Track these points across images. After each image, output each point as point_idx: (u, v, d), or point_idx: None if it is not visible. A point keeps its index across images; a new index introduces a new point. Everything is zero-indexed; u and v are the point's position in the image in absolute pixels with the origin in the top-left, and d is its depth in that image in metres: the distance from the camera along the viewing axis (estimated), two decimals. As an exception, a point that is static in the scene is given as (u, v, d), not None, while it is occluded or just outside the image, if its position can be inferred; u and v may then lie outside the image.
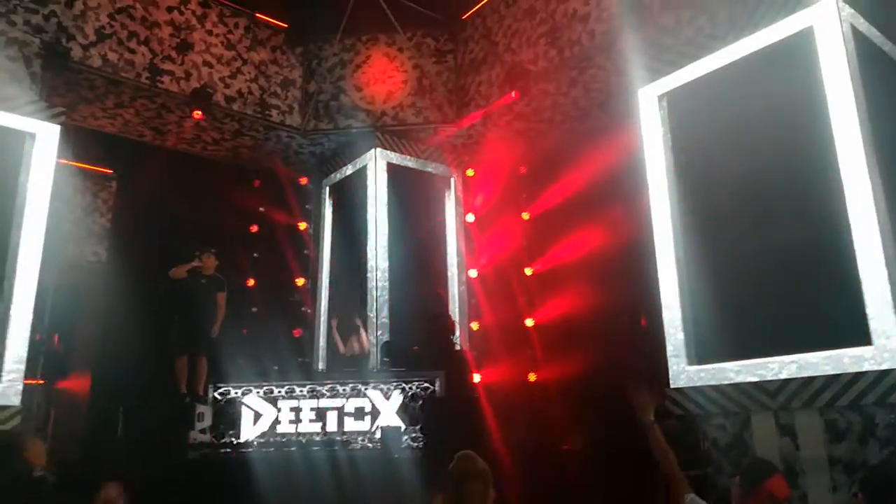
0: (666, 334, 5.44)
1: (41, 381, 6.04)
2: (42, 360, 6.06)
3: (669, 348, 5.39)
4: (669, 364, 5.35)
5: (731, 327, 5.10)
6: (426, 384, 6.01)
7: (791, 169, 4.96)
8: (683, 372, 5.27)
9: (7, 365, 5.52)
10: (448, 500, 2.53)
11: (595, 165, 6.68)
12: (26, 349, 5.64)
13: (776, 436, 4.67)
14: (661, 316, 5.54)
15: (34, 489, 3.83)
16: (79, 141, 7.10)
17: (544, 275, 7.46)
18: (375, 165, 8.28)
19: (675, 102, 5.96)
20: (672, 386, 5.32)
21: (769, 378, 4.73)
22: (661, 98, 6.04)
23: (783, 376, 4.66)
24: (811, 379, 4.50)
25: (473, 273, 8.41)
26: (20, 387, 5.53)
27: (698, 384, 5.18)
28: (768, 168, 5.08)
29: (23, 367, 5.58)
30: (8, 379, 5.50)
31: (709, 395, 5.08)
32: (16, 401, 5.49)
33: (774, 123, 5.10)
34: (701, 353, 5.27)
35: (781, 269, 4.84)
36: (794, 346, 4.65)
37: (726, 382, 4.98)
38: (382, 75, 8.49)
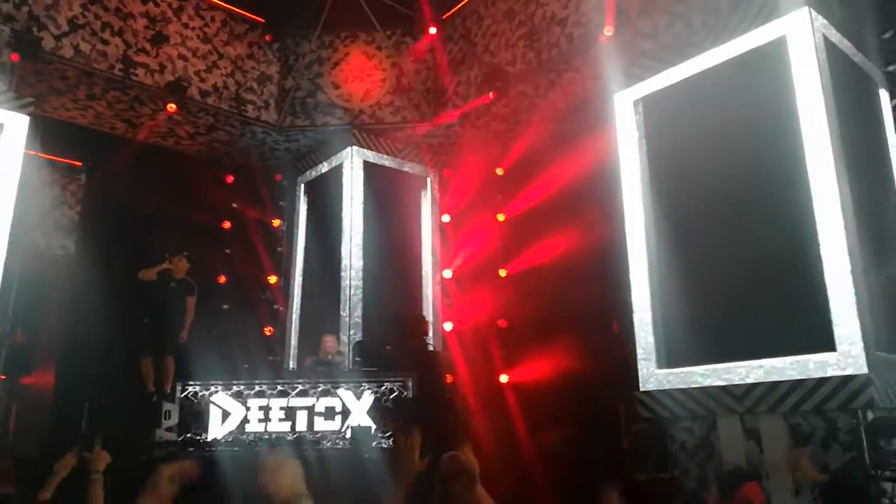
0: (636, 337, 5.49)
1: (2, 376, 5.89)
2: (4, 353, 5.91)
3: (639, 351, 5.44)
4: (639, 367, 5.40)
5: (700, 332, 5.17)
6: (398, 385, 5.98)
7: (762, 176, 5.04)
8: (653, 375, 5.32)
9: (-33, 359, 5.40)
10: (435, 495, 2.52)
11: (571, 168, 6.71)
12: (-12, 343, 5.53)
13: (742, 439, 4.73)
14: (632, 319, 5.59)
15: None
16: (48, 132, 6.94)
17: (518, 276, 7.48)
18: (352, 163, 8.23)
19: (650, 107, 6.02)
20: (641, 389, 5.37)
21: (736, 382, 4.80)
22: (636, 103, 6.10)
23: (750, 380, 4.73)
24: (777, 383, 4.58)
25: (448, 273, 8.41)
26: (-19, 381, 5.41)
27: (667, 387, 5.23)
28: (740, 175, 5.16)
29: (-17, 361, 5.46)
30: (-32, 373, 5.38)
31: (677, 399, 5.14)
32: (-24, 396, 5.38)
33: (747, 130, 5.18)
34: (670, 356, 5.33)
35: (751, 275, 4.92)
36: (761, 351, 4.72)
37: (694, 386, 5.05)
38: (360, 73, 8.45)
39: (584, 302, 6.35)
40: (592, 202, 6.45)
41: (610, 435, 5.89)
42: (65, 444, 4.33)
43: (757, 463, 4.57)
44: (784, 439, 4.50)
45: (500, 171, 8.27)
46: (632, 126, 6.08)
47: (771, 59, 5.15)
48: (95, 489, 3.58)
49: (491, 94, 7.29)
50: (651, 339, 5.40)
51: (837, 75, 5.03)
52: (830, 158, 4.68)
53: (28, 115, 6.32)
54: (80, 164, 8.33)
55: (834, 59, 5.14)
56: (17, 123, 6.21)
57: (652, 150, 5.96)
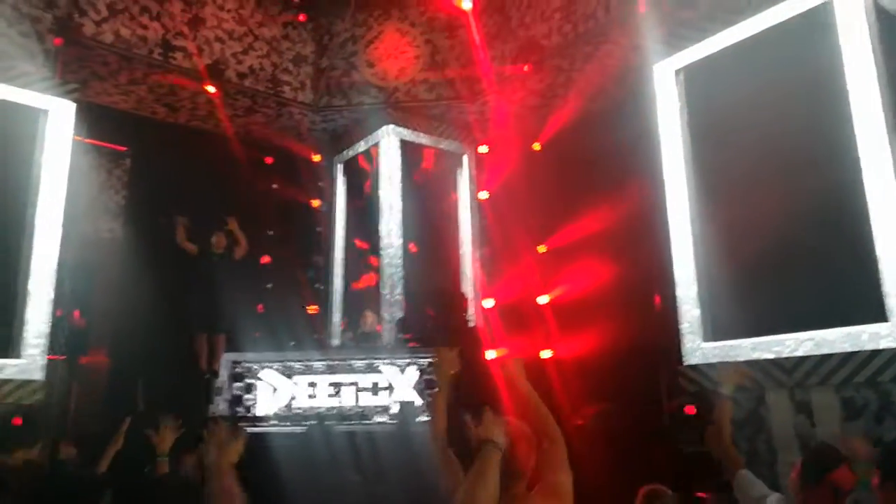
0: (680, 311, 5.45)
1: (62, 357, 6.12)
2: (63, 335, 6.13)
3: (684, 325, 5.40)
4: (684, 341, 5.37)
5: (747, 304, 5.11)
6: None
7: (809, 144, 4.93)
8: (698, 349, 5.29)
9: (28, 340, 5.61)
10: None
11: (609, 141, 6.63)
12: (48, 325, 5.72)
13: (792, 413, 4.69)
14: (675, 292, 5.55)
15: (51, 465, 3.88)
16: (92, 117, 7.07)
17: (558, 252, 7.46)
18: (388, 142, 8.26)
19: (691, 77, 5.91)
20: (686, 363, 5.34)
21: (785, 355, 4.74)
22: (677, 73, 5.99)
23: (799, 353, 4.67)
24: (828, 356, 4.52)
25: (486, 250, 8.42)
26: (42, 362, 5.62)
27: (713, 361, 5.20)
28: (786, 144, 5.05)
29: (44, 342, 5.65)
30: (30, 354, 5.59)
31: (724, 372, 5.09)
32: (38, 376, 5.58)
33: (792, 97, 5.05)
34: (716, 329, 5.28)
35: (798, 245, 4.83)
36: (810, 322, 4.65)
37: (741, 359, 5.00)
38: (395, 51, 8.42)
39: (625, 276, 6.31)
40: (633, 175, 6.38)
41: (653, 409, 5.89)
42: (121, 421, 4.50)
43: (807, 437, 4.54)
44: (836, 413, 4.45)
45: (536, 147, 8.21)
46: (672, 96, 5.98)
47: (816, 24, 4.99)
48: (163, 470, 3.70)
49: (526, 67, 7.21)
50: (696, 311, 5.35)
51: (887, 40, 4.87)
52: (881, 125, 4.55)
53: (73, 100, 6.47)
54: (124, 148, 8.50)
55: (883, 22, 4.97)
56: (62, 109, 6.36)
57: (693, 120, 5.86)
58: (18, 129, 6.11)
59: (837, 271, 4.60)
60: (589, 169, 7.05)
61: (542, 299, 7.46)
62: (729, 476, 3.22)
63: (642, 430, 5.46)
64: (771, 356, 4.81)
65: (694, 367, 5.27)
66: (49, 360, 5.65)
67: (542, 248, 7.73)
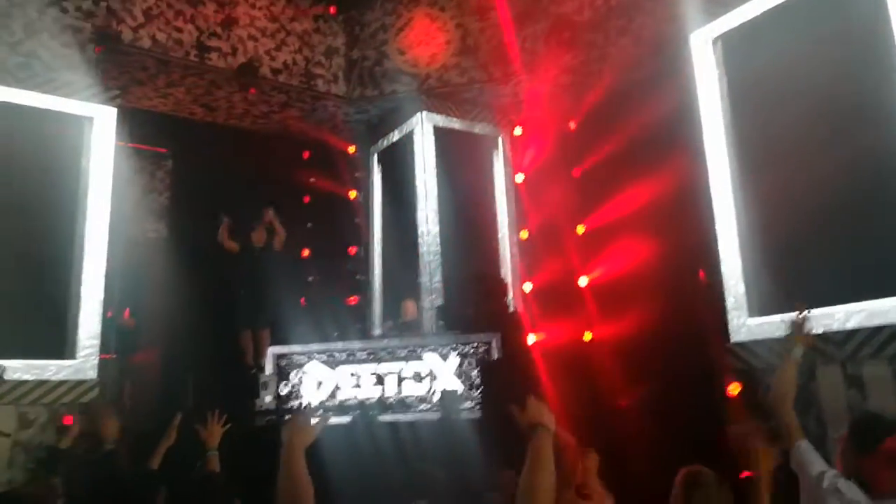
0: (725, 287, 5.31)
1: (113, 356, 6.34)
2: (114, 335, 6.35)
3: (730, 301, 5.27)
4: (729, 317, 5.23)
5: (794, 277, 4.94)
6: (482, 347, 6.04)
7: (854, 110, 4.71)
8: (745, 325, 5.15)
9: (82, 341, 5.84)
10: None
11: (647, 116, 6.45)
12: (99, 326, 5.94)
13: (843, 387, 4.53)
14: (720, 268, 5.40)
15: (104, 464, 4.02)
16: (134, 122, 7.29)
17: (597, 232, 7.31)
18: (422, 129, 8.23)
19: (729, 45, 5.71)
20: (733, 340, 5.21)
21: (835, 328, 4.58)
22: (715, 41, 5.80)
23: (850, 325, 4.50)
24: (879, 328, 4.33)
25: (524, 234, 8.34)
26: (96, 361, 5.84)
27: (760, 337, 5.05)
28: (830, 110, 4.84)
29: (97, 342, 5.89)
30: (83, 354, 5.82)
31: (771, 348, 4.95)
32: (92, 375, 5.82)
33: (835, 63, 4.84)
34: (763, 304, 5.13)
35: (846, 214, 4.64)
36: (860, 294, 4.47)
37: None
38: (425, 37, 8.36)
39: (667, 253, 6.15)
40: (672, 149, 6.21)
41: (700, 388, 5.75)
42: (172, 416, 4.63)
43: (859, 411, 4.37)
44: (889, 385, 4.27)
45: (572, 125, 8.06)
46: (711, 65, 5.80)
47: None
48: (213, 465, 3.79)
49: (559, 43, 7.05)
50: (741, 287, 5.21)
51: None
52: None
53: (115, 107, 6.66)
54: (164, 150, 8.71)
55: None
56: (106, 116, 6.56)
57: (733, 89, 5.67)
58: (65, 137, 6.34)
59: (887, 240, 4.39)
60: (627, 145, 6.88)
61: (583, 281, 7.35)
62: (787, 446, 3.05)
63: (688, 409, 5.34)
64: (820, 330, 4.63)
65: (740, 345, 5.14)
66: (101, 359, 5.87)
67: (581, 229, 7.60)
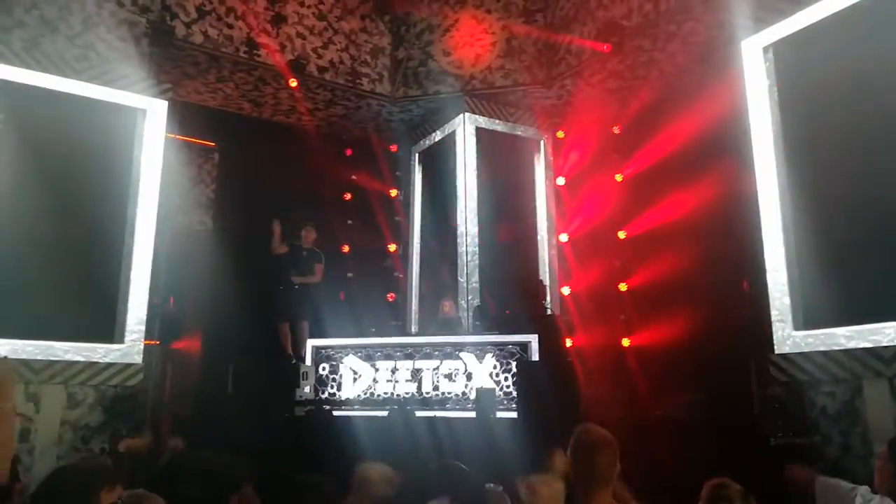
0: (770, 298, 5.23)
1: (158, 342, 6.51)
2: (158, 322, 6.52)
3: (774, 313, 5.18)
4: (774, 329, 5.15)
5: (841, 291, 4.84)
6: (519, 348, 6.05)
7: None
8: (790, 338, 5.06)
9: (129, 326, 6.00)
10: (574, 469, 2.47)
11: (694, 123, 6.40)
12: (146, 312, 6.10)
13: (891, 404, 4.42)
14: (765, 279, 5.32)
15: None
16: (184, 115, 7.46)
17: (639, 238, 7.27)
18: (464, 130, 8.27)
19: (781, 53, 5.62)
20: (777, 351, 5.12)
21: (884, 344, 4.47)
22: (766, 49, 5.71)
23: (900, 342, 4.39)
24: (932, 345, 4.22)
25: (564, 237, 8.31)
26: (141, 346, 6.00)
27: (805, 350, 4.96)
28: (881, 121, 4.73)
29: (143, 328, 6.05)
30: (131, 339, 5.99)
31: (817, 362, 4.87)
32: (138, 359, 5.98)
33: (889, 73, 4.72)
34: (808, 317, 5.04)
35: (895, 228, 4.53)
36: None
37: (836, 348, 4.75)
38: (470, 38, 8.39)
39: (711, 262, 6.08)
40: (719, 157, 6.13)
41: (740, 399, 5.67)
42: (213, 403, 4.73)
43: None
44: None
45: (616, 130, 8.02)
46: (762, 74, 5.71)
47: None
48: None
49: (606, 47, 7.01)
50: (787, 299, 5.12)
51: None
52: None
53: (166, 100, 6.82)
54: (213, 144, 8.89)
55: None
56: (157, 109, 6.72)
57: (784, 98, 5.57)
58: (119, 128, 6.52)
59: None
60: (672, 151, 6.83)
61: (623, 286, 7.30)
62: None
63: (730, 420, 5.27)
64: (868, 345, 4.54)
65: (785, 357, 5.05)
66: (146, 345, 6.03)
67: (622, 234, 7.55)
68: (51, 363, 5.61)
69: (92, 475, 2.18)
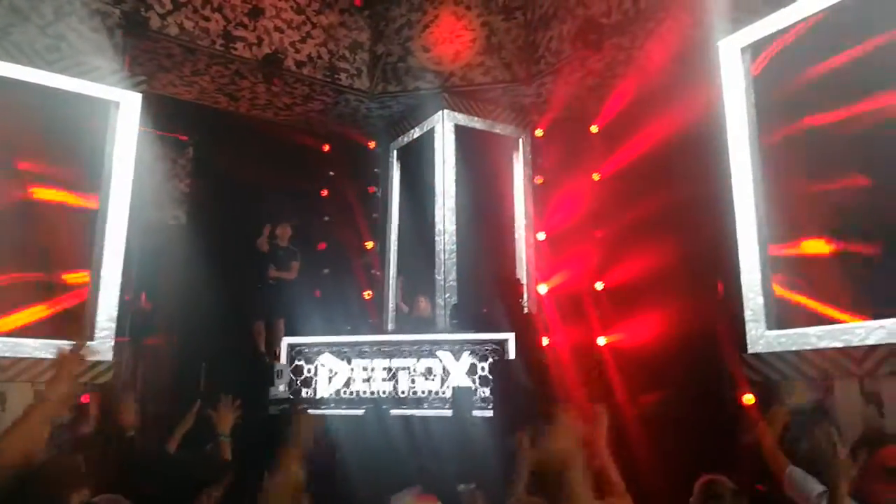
0: (744, 298, 5.27)
1: (129, 339, 6.41)
2: (129, 318, 6.41)
3: (748, 313, 5.22)
4: (747, 329, 5.19)
5: (814, 291, 4.89)
6: (496, 347, 6.04)
7: (888, 125, 4.64)
8: (762, 337, 5.11)
9: (100, 323, 5.89)
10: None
11: (671, 123, 6.42)
12: (117, 309, 5.99)
13: (861, 404, 4.48)
14: (738, 279, 5.36)
15: (125, 449, 4.06)
16: (158, 108, 7.34)
17: (615, 236, 7.29)
18: (443, 127, 8.24)
19: (759, 54, 5.65)
20: (750, 351, 5.17)
21: (855, 343, 4.53)
22: (744, 50, 5.74)
23: (870, 342, 4.45)
24: (901, 346, 4.28)
25: (542, 236, 8.32)
26: (111, 343, 5.89)
27: (778, 350, 5.01)
28: (860, 124, 4.78)
29: (114, 325, 5.94)
30: (100, 336, 5.88)
31: (789, 361, 4.92)
32: (108, 356, 5.87)
33: (872, 74, 4.77)
34: (781, 317, 5.09)
35: (871, 228, 4.59)
36: (882, 310, 4.42)
37: (808, 348, 4.80)
38: (450, 34, 8.36)
39: (686, 261, 6.12)
40: (695, 157, 6.17)
41: (714, 398, 5.73)
42: (185, 401, 4.66)
43: (876, 429, 4.33)
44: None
45: (594, 129, 8.03)
46: (739, 75, 5.74)
47: (898, -7, 4.69)
48: (225, 449, 3.81)
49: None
50: (760, 299, 5.17)
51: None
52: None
53: (140, 92, 6.70)
54: (186, 138, 8.77)
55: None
56: (131, 101, 6.60)
57: (761, 100, 5.61)
58: (91, 120, 6.38)
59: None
60: (649, 151, 6.85)
61: (599, 285, 7.33)
62: (778, 475, 3.12)
63: (703, 419, 5.32)
64: (839, 345, 4.59)
65: (758, 356, 5.10)
66: (116, 342, 5.92)
67: (599, 233, 7.58)
68: (18, 360, 5.49)
69: (61, 477, 2.11)
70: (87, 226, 6.12)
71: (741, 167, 5.55)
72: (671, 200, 6.33)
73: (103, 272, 6.02)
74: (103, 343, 5.82)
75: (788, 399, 3.67)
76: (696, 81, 6.23)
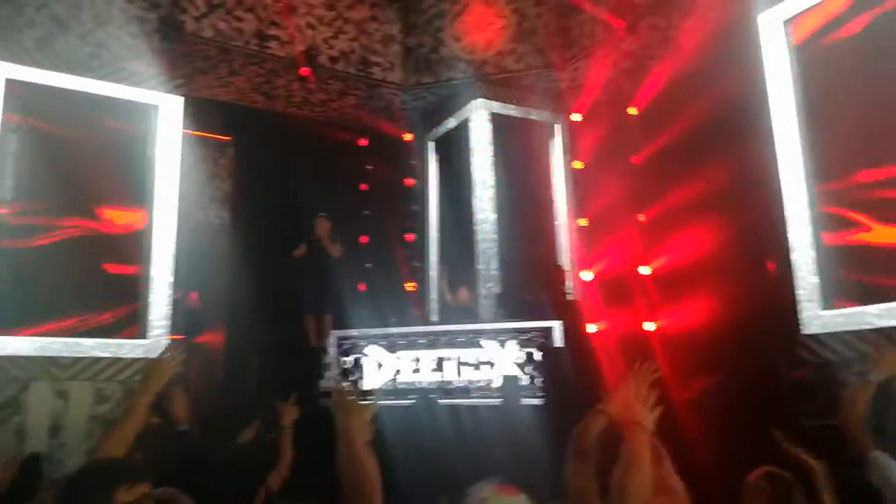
0: (797, 277, 5.15)
1: (181, 337, 6.55)
2: (181, 316, 6.56)
3: (801, 292, 5.10)
4: (801, 309, 5.07)
5: (871, 267, 4.75)
6: (541, 335, 6.02)
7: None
8: (817, 317, 4.99)
9: (153, 322, 6.04)
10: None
11: (713, 99, 6.28)
12: (168, 307, 6.14)
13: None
14: (790, 257, 5.24)
15: (179, 443, 4.16)
16: (197, 110, 7.46)
17: (659, 220, 7.16)
18: (478, 116, 8.20)
19: (802, 26, 5.49)
20: (804, 332, 5.05)
21: (916, 322, 4.39)
22: (786, 23, 5.59)
23: (934, 319, 4.31)
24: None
25: (583, 222, 8.24)
26: (166, 341, 6.04)
27: (834, 330, 4.89)
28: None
29: (167, 323, 6.08)
30: (154, 334, 6.02)
31: (846, 342, 4.79)
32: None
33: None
34: (837, 296, 4.96)
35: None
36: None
37: (867, 327, 4.67)
38: (481, 23, 8.30)
39: (734, 241, 6.00)
40: (739, 135, 6.03)
41: (767, 381, 5.61)
42: (238, 397, 4.74)
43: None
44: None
45: (633, 111, 7.91)
46: (781, 48, 5.59)
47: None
48: (285, 442, 3.89)
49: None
50: (814, 277, 5.04)
51: None
52: None
53: (180, 95, 6.81)
54: (227, 139, 8.90)
55: None
56: (172, 105, 6.71)
57: (805, 72, 5.46)
58: (134, 125, 6.52)
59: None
60: (690, 130, 6.72)
61: (645, 269, 7.23)
62: (858, 455, 3.02)
63: (757, 403, 5.21)
64: (897, 323, 4.46)
65: (813, 337, 4.98)
66: (170, 340, 6.07)
67: (642, 217, 7.46)
68: (77, 359, 5.67)
69: (106, 473, 2.17)
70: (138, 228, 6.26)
71: (787, 141, 5.41)
72: (716, 180, 6.21)
73: (153, 272, 6.17)
74: (158, 341, 5.96)
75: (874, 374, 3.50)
76: (737, 57, 6.09)
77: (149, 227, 6.27)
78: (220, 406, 6.55)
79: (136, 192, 6.36)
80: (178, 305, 6.34)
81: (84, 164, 6.11)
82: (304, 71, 7.76)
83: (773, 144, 5.52)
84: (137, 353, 5.86)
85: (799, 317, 5.06)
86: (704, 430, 5.37)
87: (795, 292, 5.14)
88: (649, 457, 2.15)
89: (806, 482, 2.91)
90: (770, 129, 5.56)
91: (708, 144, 6.47)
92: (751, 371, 5.40)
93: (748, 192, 5.92)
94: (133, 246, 6.17)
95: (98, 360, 5.73)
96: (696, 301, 6.24)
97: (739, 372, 5.48)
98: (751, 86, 5.80)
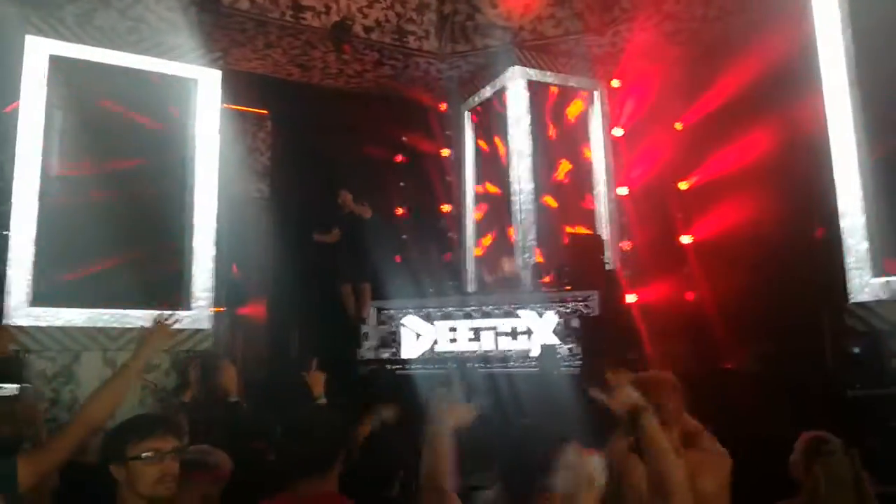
0: (845, 245, 4.99)
1: (223, 309, 6.68)
2: (223, 288, 6.69)
3: (850, 260, 4.95)
4: (850, 277, 4.92)
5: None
6: (581, 304, 5.98)
7: None
8: (867, 285, 4.83)
9: (196, 293, 6.17)
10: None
11: (758, 62, 6.06)
12: (211, 279, 6.26)
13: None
14: (839, 224, 5.07)
15: (229, 415, 4.24)
16: (235, 83, 7.51)
17: (702, 188, 7.01)
18: (515, 84, 8.07)
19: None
20: (853, 300, 4.91)
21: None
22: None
23: None
24: None
25: (623, 190, 8.10)
26: (209, 313, 6.18)
27: (884, 298, 4.73)
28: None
29: (210, 294, 6.21)
30: (198, 305, 6.16)
31: (897, 310, 4.64)
32: (207, 325, 6.16)
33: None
34: (887, 263, 4.79)
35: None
36: None
37: (917, 294, 4.51)
38: (518, -12, 8.12)
39: (781, 209, 5.83)
40: (785, 98, 5.82)
41: (815, 351, 5.49)
42: (281, 366, 4.81)
43: None
44: None
45: (674, 75, 7.69)
46: (832, 6, 5.35)
47: None
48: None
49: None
50: (864, 245, 4.87)
51: None
52: None
53: (218, 69, 6.86)
54: (265, 112, 8.95)
55: None
56: (210, 78, 6.78)
57: (858, 31, 5.22)
58: (173, 98, 6.60)
59: None
60: (735, 95, 6.51)
61: (687, 238, 7.08)
62: None
63: (803, 372, 5.11)
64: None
65: (862, 305, 4.83)
66: (214, 311, 6.20)
67: (684, 185, 7.30)
68: (126, 330, 5.83)
69: (121, 428, 2.26)
70: (179, 202, 6.38)
71: (838, 103, 5.20)
72: (761, 146, 6.03)
73: (195, 244, 6.29)
74: (201, 312, 6.10)
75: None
76: (785, 17, 5.85)
77: (189, 198, 6.37)
78: (264, 377, 6.70)
79: (178, 166, 6.47)
80: (219, 277, 6.45)
81: (126, 138, 6.23)
82: (346, 48, 7.70)
83: (822, 106, 5.32)
84: (182, 324, 5.99)
85: (847, 285, 4.91)
86: (749, 398, 5.30)
87: (845, 260, 4.99)
88: (665, 439, 2.11)
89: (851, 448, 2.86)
90: (819, 89, 5.34)
91: (754, 109, 6.27)
92: (796, 340, 5.28)
93: (794, 158, 5.74)
94: (175, 220, 6.28)
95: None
96: (740, 270, 6.11)
97: (785, 341, 5.37)
98: (799, 44, 5.58)
